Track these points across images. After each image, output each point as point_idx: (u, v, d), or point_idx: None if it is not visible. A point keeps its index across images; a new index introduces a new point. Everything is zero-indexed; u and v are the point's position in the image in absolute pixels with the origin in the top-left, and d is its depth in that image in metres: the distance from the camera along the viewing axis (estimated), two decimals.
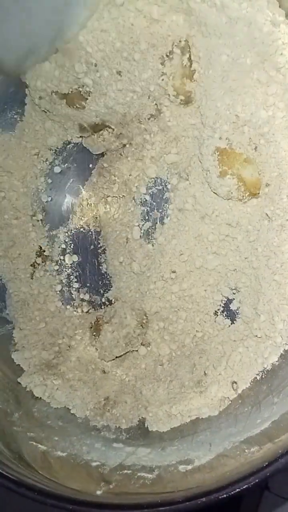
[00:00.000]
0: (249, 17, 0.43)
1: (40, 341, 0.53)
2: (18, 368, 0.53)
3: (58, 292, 0.56)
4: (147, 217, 0.55)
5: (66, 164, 0.56)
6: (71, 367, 0.52)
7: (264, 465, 0.38)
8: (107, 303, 0.56)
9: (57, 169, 0.56)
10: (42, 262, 0.56)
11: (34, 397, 0.51)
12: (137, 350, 0.53)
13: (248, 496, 0.61)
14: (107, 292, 0.56)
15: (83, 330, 0.54)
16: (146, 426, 0.50)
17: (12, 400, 0.50)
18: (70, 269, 0.56)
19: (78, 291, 0.56)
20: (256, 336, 0.49)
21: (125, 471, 0.45)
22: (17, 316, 0.54)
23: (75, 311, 0.56)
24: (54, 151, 0.56)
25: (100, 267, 0.56)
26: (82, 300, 0.56)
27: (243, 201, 0.49)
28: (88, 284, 0.56)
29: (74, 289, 0.56)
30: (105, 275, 0.56)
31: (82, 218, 0.56)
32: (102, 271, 0.56)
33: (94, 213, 0.56)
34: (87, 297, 0.56)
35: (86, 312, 0.56)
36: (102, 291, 0.56)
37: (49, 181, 0.56)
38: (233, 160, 0.47)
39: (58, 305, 0.56)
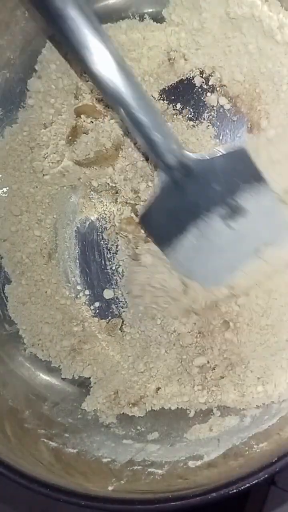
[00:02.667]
0: None
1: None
2: (29, 366, 0.54)
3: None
4: None
5: None
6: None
7: (273, 460, 0.38)
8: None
9: None
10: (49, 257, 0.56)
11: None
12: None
13: (255, 491, 0.62)
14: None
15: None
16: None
17: (22, 397, 0.51)
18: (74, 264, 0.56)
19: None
20: None
21: (135, 467, 0.45)
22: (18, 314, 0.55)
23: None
24: None
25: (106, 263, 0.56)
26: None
27: None
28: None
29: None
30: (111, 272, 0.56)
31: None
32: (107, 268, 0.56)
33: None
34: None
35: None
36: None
37: None
38: None
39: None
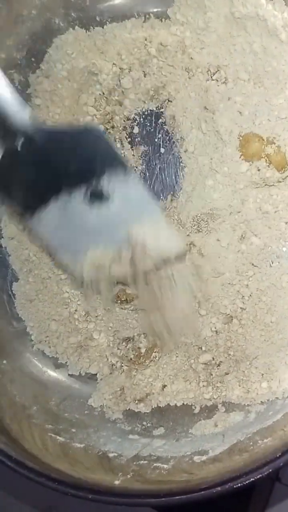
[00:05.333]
0: None
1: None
2: (36, 362, 0.54)
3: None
4: None
5: None
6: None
7: (278, 455, 0.39)
8: None
9: None
10: None
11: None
12: None
13: (259, 487, 0.62)
14: None
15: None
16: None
17: (30, 393, 0.51)
18: None
19: None
20: None
21: (141, 461, 0.46)
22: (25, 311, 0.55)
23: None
24: None
25: None
26: None
27: None
28: None
29: None
30: None
31: None
32: None
33: None
34: None
35: None
36: None
37: None
38: None
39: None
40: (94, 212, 0.41)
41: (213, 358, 0.52)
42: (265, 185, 0.51)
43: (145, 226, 0.42)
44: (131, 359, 0.52)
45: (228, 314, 0.51)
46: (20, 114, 0.39)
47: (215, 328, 0.52)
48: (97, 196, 0.41)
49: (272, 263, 0.52)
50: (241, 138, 0.50)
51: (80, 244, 0.44)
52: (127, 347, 0.53)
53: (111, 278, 0.46)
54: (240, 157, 0.50)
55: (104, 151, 0.41)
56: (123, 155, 0.53)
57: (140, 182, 0.44)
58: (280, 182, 0.51)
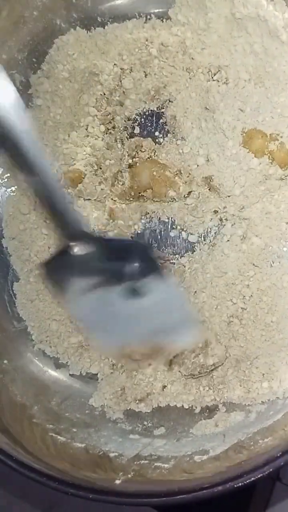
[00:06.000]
0: None
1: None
2: (37, 362, 0.54)
3: None
4: None
5: None
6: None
7: (278, 455, 0.39)
8: None
9: None
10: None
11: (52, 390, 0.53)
12: None
13: (260, 487, 0.62)
14: None
15: None
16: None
17: (31, 393, 0.51)
18: None
19: None
20: None
21: (142, 461, 0.46)
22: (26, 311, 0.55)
23: None
24: None
25: None
26: None
27: None
28: None
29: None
30: None
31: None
32: None
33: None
34: None
35: None
36: None
37: None
38: None
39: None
40: (128, 305, 0.46)
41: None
42: (267, 180, 0.51)
43: (171, 325, 0.47)
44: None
45: (230, 315, 0.52)
46: (78, 223, 0.43)
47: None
48: (133, 293, 0.46)
49: (273, 263, 0.52)
50: (244, 134, 0.50)
51: (110, 329, 0.48)
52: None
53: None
54: (247, 153, 0.50)
55: (145, 260, 0.46)
56: (124, 156, 0.53)
57: (174, 286, 0.48)
58: (283, 179, 0.51)
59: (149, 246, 0.50)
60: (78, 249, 0.45)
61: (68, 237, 0.44)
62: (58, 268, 0.46)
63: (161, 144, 0.54)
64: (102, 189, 0.54)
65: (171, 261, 0.54)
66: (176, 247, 0.54)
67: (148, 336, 0.47)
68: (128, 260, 0.46)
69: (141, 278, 0.45)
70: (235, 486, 0.38)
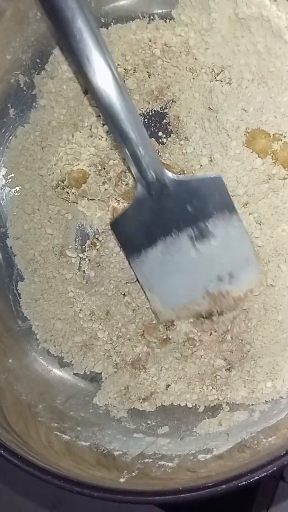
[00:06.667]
0: None
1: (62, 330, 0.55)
2: (42, 361, 0.55)
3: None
4: None
5: None
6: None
7: (282, 454, 0.39)
8: None
9: None
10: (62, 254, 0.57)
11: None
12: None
13: (264, 486, 0.62)
14: None
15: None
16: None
17: (36, 392, 0.52)
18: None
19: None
20: None
21: (146, 460, 0.46)
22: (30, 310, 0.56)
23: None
24: None
25: None
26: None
27: None
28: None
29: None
30: None
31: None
32: None
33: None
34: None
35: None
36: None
37: None
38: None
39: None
40: (195, 249, 0.47)
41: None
42: (270, 179, 0.51)
43: (234, 265, 0.47)
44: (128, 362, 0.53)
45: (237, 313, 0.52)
46: (158, 165, 0.44)
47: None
48: (202, 234, 0.46)
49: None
50: (247, 134, 0.50)
51: (172, 283, 0.49)
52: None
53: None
54: (251, 153, 0.51)
55: (220, 195, 0.46)
56: None
57: (241, 221, 0.47)
58: (286, 178, 0.51)
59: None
60: (155, 196, 0.45)
61: (147, 183, 0.44)
62: (128, 223, 0.47)
63: (164, 144, 0.54)
64: (106, 189, 0.54)
65: None
66: None
67: (212, 284, 0.47)
68: (202, 198, 0.45)
69: (213, 216, 0.45)
70: (239, 485, 0.38)
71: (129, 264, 0.51)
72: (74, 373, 0.55)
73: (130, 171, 0.50)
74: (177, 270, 0.48)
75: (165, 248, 0.47)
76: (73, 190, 0.55)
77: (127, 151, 0.44)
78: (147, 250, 0.48)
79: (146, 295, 0.52)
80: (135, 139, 0.43)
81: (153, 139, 0.54)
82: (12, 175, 0.56)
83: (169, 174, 0.46)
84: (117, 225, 0.50)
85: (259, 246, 0.51)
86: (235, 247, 0.47)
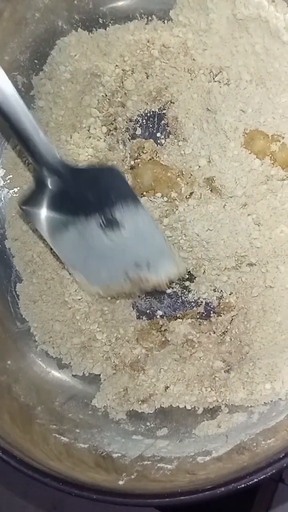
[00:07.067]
0: None
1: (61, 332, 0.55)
2: (40, 363, 0.55)
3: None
4: None
5: None
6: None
7: (281, 456, 0.39)
8: None
9: None
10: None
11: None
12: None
13: (263, 488, 0.62)
14: None
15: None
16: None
17: (34, 394, 0.52)
18: None
19: None
20: None
21: (145, 462, 0.46)
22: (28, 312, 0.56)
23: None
24: None
25: None
26: None
27: None
28: None
29: None
30: None
31: None
32: None
33: None
34: None
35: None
36: None
37: None
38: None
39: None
40: (107, 237, 0.48)
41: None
42: (268, 180, 0.51)
43: (150, 255, 0.49)
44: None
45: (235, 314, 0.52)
46: (51, 153, 0.46)
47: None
48: (110, 223, 0.48)
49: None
50: (246, 135, 0.50)
51: (93, 265, 0.50)
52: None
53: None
54: (249, 154, 0.51)
55: (119, 186, 0.48)
56: (126, 158, 0.54)
57: (148, 214, 0.49)
58: (285, 180, 0.51)
59: (122, 172, 0.50)
60: (52, 182, 0.47)
61: (42, 169, 0.46)
62: (35, 207, 0.48)
63: (162, 145, 0.54)
64: None
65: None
66: None
67: (131, 270, 0.49)
68: (102, 188, 0.47)
69: (115, 206, 0.47)
70: (238, 487, 0.38)
71: (49, 242, 0.51)
72: (72, 375, 0.55)
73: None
74: (95, 254, 0.49)
75: (78, 233, 0.49)
76: None
77: (22, 141, 0.45)
78: (62, 233, 0.49)
79: (70, 273, 0.53)
80: (30, 130, 0.45)
81: (151, 140, 0.54)
82: (11, 176, 0.56)
83: (63, 161, 0.47)
84: (26, 206, 0.49)
85: (258, 247, 0.51)
86: (147, 238, 0.49)
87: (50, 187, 0.47)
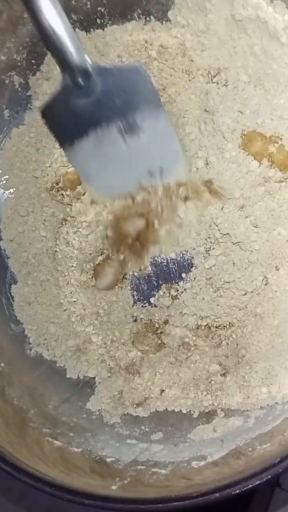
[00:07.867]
0: None
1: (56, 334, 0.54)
2: (34, 365, 0.54)
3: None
4: None
5: None
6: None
7: (277, 461, 0.38)
8: None
9: None
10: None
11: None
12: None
13: (259, 493, 0.62)
14: None
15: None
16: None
17: (28, 397, 0.51)
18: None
19: None
20: None
21: (139, 466, 0.46)
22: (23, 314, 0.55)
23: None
24: None
25: None
26: None
27: None
28: None
29: None
30: None
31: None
32: None
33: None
34: None
35: None
36: None
37: None
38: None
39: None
40: (125, 143, 0.48)
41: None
42: (266, 182, 0.51)
43: (164, 161, 0.49)
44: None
45: (234, 316, 0.51)
46: (80, 53, 0.45)
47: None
48: (131, 128, 0.48)
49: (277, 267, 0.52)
50: (243, 136, 0.50)
51: (106, 175, 0.50)
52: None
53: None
54: (247, 155, 0.50)
55: (144, 87, 0.47)
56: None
57: (168, 118, 0.49)
58: (282, 181, 0.51)
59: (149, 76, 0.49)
60: (78, 84, 0.45)
61: (73, 69, 0.44)
62: (57, 112, 0.48)
63: None
64: None
65: None
66: None
67: (145, 179, 0.49)
68: (128, 89, 0.47)
69: (137, 109, 0.47)
70: (233, 493, 0.38)
71: (65, 153, 0.51)
72: (67, 378, 0.54)
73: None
74: (110, 161, 0.49)
75: (97, 140, 0.48)
76: (67, 192, 0.54)
77: (54, 38, 0.43)
78: (80, 140, 0.49)
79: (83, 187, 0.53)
80: (60, 29, 0.43)
81: None
82: (7, 176, 0.55)
83: (90, 61, 0.46)
84: (48, 113, 0.50)
85: (256, 250, 0.51)
86: (164, 142, 0.49)
87: (75, 90, 0.46)
